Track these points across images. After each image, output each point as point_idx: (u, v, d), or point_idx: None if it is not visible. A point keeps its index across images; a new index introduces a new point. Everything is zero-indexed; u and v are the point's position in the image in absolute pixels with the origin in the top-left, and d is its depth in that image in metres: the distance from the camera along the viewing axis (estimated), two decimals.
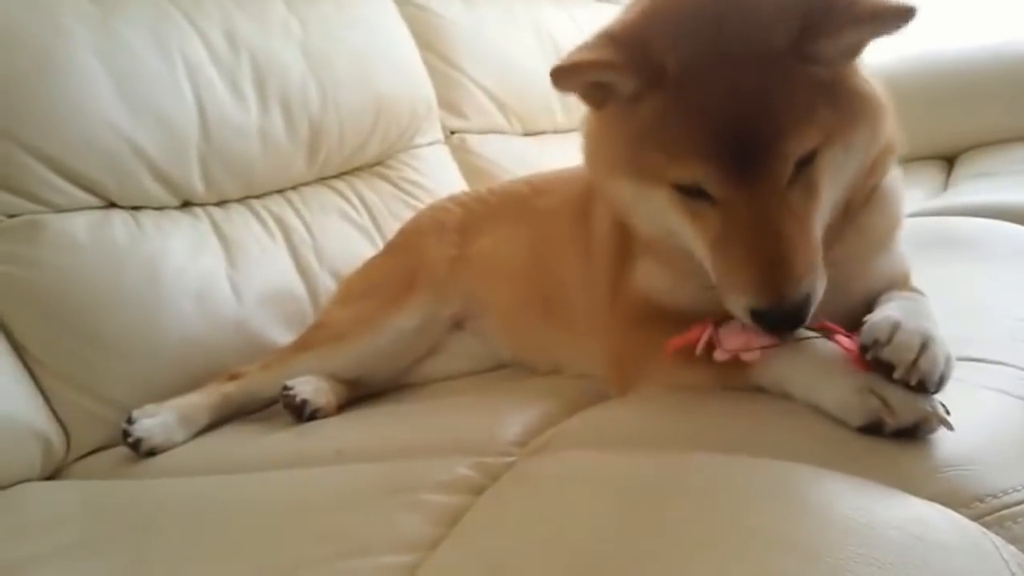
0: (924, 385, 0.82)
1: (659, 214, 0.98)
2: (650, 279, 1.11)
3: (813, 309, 0.91)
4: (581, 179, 1.37)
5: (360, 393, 1.47)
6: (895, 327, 0.85)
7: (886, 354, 0.83)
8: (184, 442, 1.38)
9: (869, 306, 1.01)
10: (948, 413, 0.82)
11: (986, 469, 0.81)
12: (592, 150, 1.07)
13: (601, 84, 0.95)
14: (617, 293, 1.16)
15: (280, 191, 1.82)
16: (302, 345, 1.49)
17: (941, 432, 0.83)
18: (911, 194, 2.27)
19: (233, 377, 1.49)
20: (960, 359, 1.03)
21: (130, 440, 1.34)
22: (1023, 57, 2.57)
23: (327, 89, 1.86)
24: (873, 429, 0.82)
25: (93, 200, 1.53)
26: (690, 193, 0.92)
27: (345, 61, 1.92)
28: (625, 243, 1.15)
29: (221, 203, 1.72)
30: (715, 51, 0.90)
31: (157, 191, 1.60)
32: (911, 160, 2.61)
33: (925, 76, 2.60)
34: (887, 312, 0.91)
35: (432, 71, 2.23)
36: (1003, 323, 1.19)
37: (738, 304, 0.91)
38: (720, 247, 0.92)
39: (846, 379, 0.85)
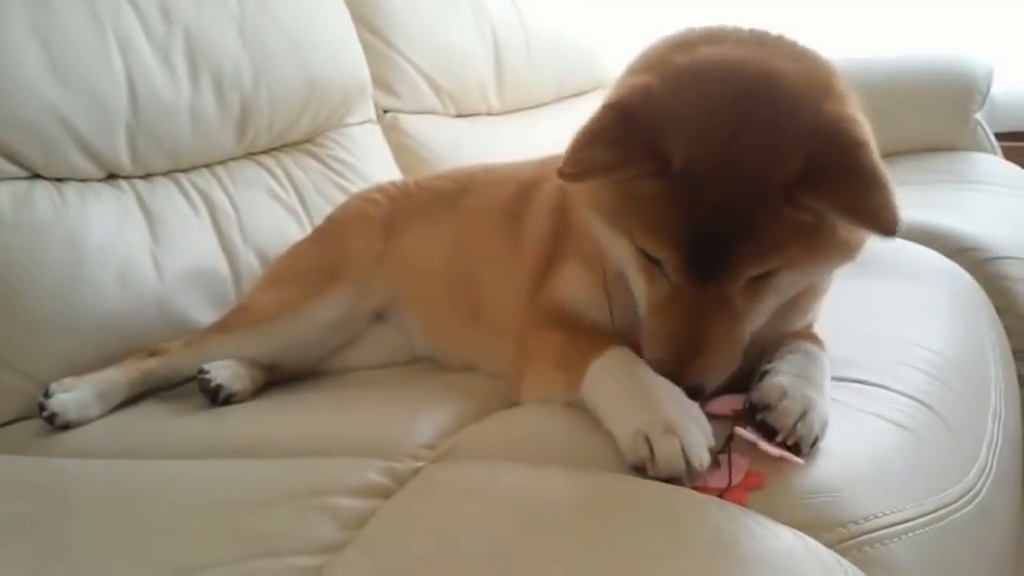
0: (798, 447, 0.91)
1: (619, 251, 1.05)
2: (571, 289, 1.16)
3: (700, 399, 0.98)
4: (510, 180, 1.42)
5: (277, 377, 1.50)
6: (782, 394, 0.95)
7: (770, 419, 0.93)
8: (100, 417, 1.39)
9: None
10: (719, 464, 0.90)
11: (853, 495, 0.88)
12: (582, 186, 1.09)
13: None
14: (537, 295, 1.22)
15: (207, 166, 1.82)
16: (224, 327, 1.51)
17: (814, 457, 0.91)
18: None
19: (154, 353, 1.50)
20: (844, 380, 1.12)
21: (45, 414, 1.35)
22: (946, 68, 2.65)
23: (259, 65, 1.85)
24: (640, 470, 0.90)
25: (17, 170, 1.52)
26: (650, 259, 0.98)
27: (280, 38, 1.91)
28: (556, 250, 1.20)
29: (146, 176, 1.71)
30: (721, 161, 0.92)
31: (83, 163, 1.59)
32: None
33: (851, 81, 2.67)
34: (777, 378, 0.98)
35: (367, 48, 2.22)
36: (894, 347, 1.25)
37: (649, 359, 1.00)
38: (656, 313, 1.00)
39: (629, 420, 0.93)
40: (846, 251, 0.99)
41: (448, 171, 1.69)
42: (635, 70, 1.07)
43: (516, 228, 1.33)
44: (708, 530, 0.77)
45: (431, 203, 1.54)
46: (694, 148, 0.92)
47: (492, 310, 1.37)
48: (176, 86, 1.72)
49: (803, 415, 0.93)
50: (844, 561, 0.79)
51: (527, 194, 1.35)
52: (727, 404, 0.99)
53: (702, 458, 0.88)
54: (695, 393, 0.96)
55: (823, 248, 0.96)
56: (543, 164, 1.35)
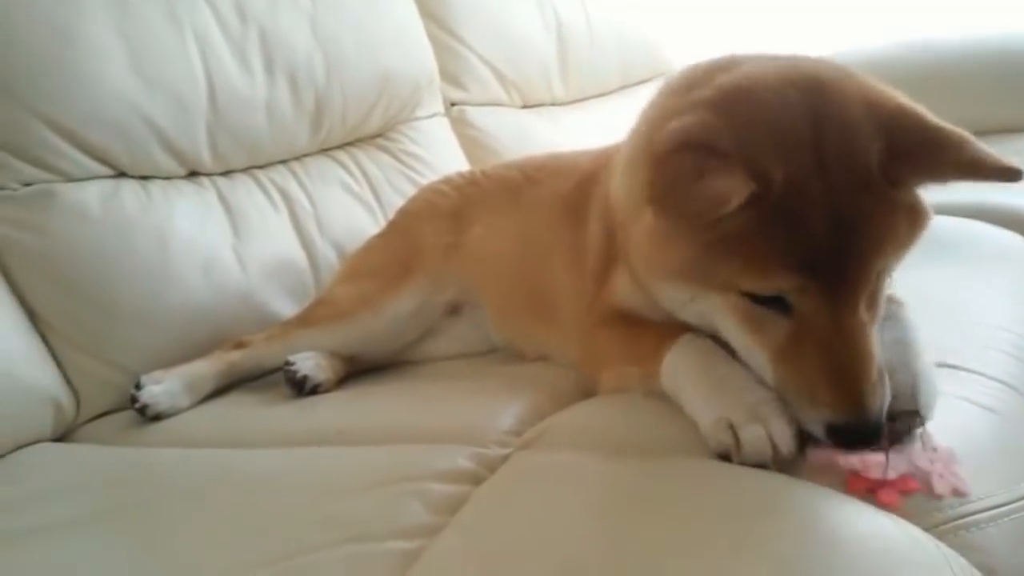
0: (922, 416, 0.89)
1: (708, 315, 0.97)
2: (628, 297, 1.15)
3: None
4: (573, 171, 1.41)
5: (358, 368, 1.53)
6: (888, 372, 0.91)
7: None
8: (189, 408, 1.45)
9: None
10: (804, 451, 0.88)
11: None
12: (641, 249, 1.03)
13: None
14: (597, 295, 1.22)
15: (284, 162, 1.86)
16: (305, 320, 1.54)
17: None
18: None
19: (239, 345, 1.54)
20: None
21: (137, 405, 1.41)
22: (1013, 46, 2.59)
23: (332, 61, 1.89)
24: (724, 457, 0.89)
25: (104, 170, 1.57)
26: (760, 302, 0.91)
27: (350, 33, 1.94)
28: (610, 251, 1.20)
29: (226, 173, 1.76)
30: (815, 163, 0.87)
31: (166, 161, 1.64)
32: None
33: (916, 64, 2.62)
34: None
35: (433, 41, 2.24)
36: (979, 330, 1.24)
37: (814, 420, 0.88)
38: (788, 358, 0.90)
39: (715, 407, 0.92)
40: (926, 224, 0.96)
41: (515, 160, 1.68)
42: (658, 115, 1.03)
43: (577, 223, 1.32)
44: (803, 516, 0.77)
45: (497, 195, 1.55)
46: (787, 160, 0.87)
47: (557, 305, 1.37)
48: (253, 83, 1.76)
49: (913, 393, 0.91)
50: (942, 546, 0.78)
51: (586, 187, 1.34)
52: None
53: (788, 444, 0.88)
54: (880, 419, 0.87)
55: (918, 226, 0.93)
56: (602, 155, 1.35)
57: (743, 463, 0.88)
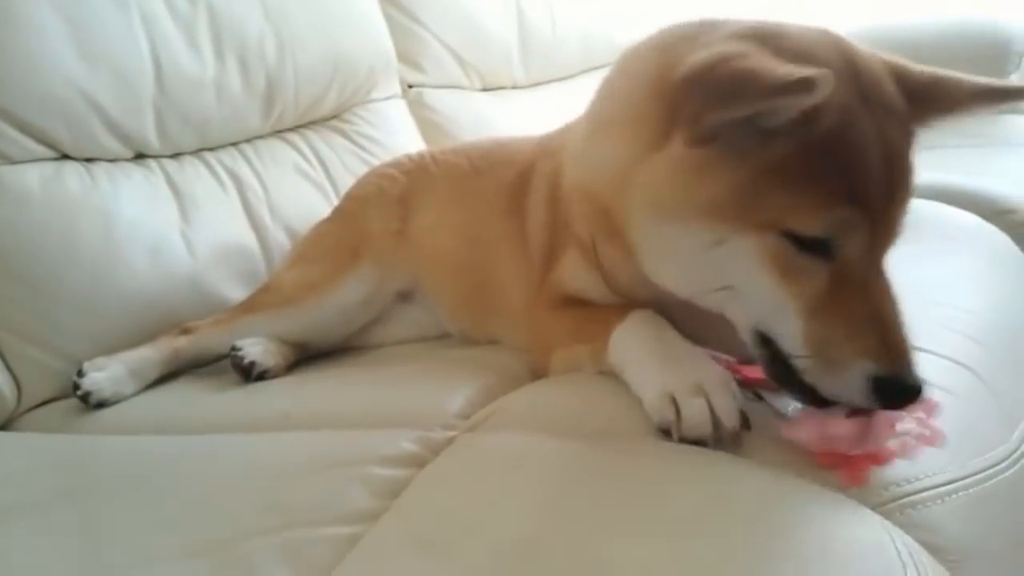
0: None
1: (729, 265, 0.87)
2: (577, 280, 1.14)
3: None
4: (514, 161, 1.39)
5: (307, 354, 1.50)
6: None
7: None
8: (134, 395, 1.41)
9: None
10: (748, 427, 0.87)
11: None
12: (673, 189, 0.89)
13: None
14: (544, 283, 1.20)
15: (235, 144, 1.82)
16: (251, 306, 1.51)
17: None
18: None
19: (185, 331, 1.50)
20: None
21: (79, 392, 1.37)
22: (979, 30, 2.61)
23: (284, 41, 1.85)
24: (666, 432, 0.87)
25: (46, 152, 1.52)
26: (801, 245, 0.83)
27: (303, 13, 1.90)
28: (555, 240, 1.18)
29: (175, 155, 1.72)
30: (859, 95, 0.83)
31: (111, 143, 1.60)
32: None
33: (884, 44, 2.63)
34: None
35: (390, 23, 2.21)
36: (934, 310, 1.23)
37: (855, 373, 0.81)
38: (826, 308, 0.83)
39: (656, 382, 0.90)
40: None
41: (463, 145, 1.65)
42: (644, 71, 0.96)
43: (519, 212, 1.31)
44: (750, 496, 0.76)
45: (445, 181, 1.52)
46: (836, 84, 0.76)
47: (505, 294, 1.35)
48: (201, 63, 1.72)
49: None
50: (888, 523, 0.77)
51: (527, 177, 1.32)
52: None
53: (732, 419, 0.86)
54: (921, 382, 0.81)
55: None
56: (542, 142, 1.34)
57: (684, 438, 0.86)
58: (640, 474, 0.82)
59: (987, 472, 0.92)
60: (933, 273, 1.39)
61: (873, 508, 0.80)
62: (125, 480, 1.05)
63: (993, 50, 2.52)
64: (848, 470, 0.82)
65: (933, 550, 0.79)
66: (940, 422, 0.85)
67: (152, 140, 1.66)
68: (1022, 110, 2.47)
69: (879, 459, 0.83)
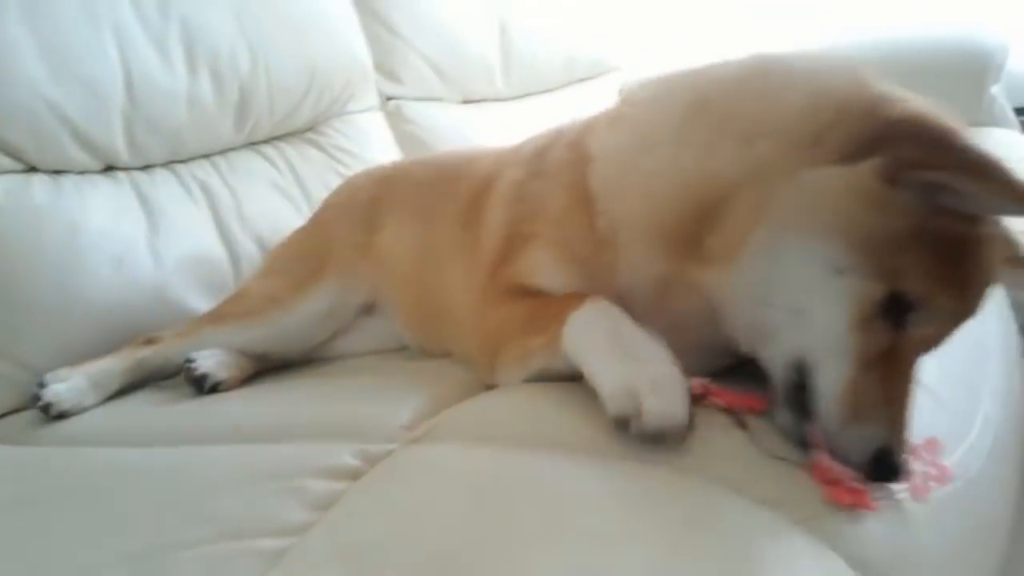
0: None
1: (826, 295, 0.88)
2: (540, 275, 1.12)
3: None
4: (475, 174, 1.39)
5: (269, 365, 1.50)
6: None
7: None
8: (95, 406, 1.41)
9: None
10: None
11: None
12: (828, 206, 0.89)
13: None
14: (493, 277, 1.19)
15: (207, 156, 1.83)
16: (216, 317, 1.52)
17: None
18: None
19: (149, 341, 1.51)
20: None
21: (40, 404, 1.37)
22: (961, 45, 2.60)
23: (258, 52, 1.86)
24: (621, 425, 0.87)
25: (13, 164, 1.54)
26: (892, 307, 0.86)
27: (278, 25, 1.92)
28: (516, 235, 1.17)
29: (145, 168, 1.73)
30: None
31: (79, 155, 1.61)
32: None
33: (866, 60, 2.62)
34: None
35: (369, 35, 2.22)
36: None
37: (867, 437, 0.86)
38: (875, 370, 0.86)
39: (615, 373, 0.89)
40: None
41: (435, 156, 1.67)
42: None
43: (474, 226, 1.30)
44: (676, 507, 0.76)
45: (410, 194, 1.53)
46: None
47: (455, 307, 1.35)
48: (173, 75, 1.73)
49: None
50: (810, 538, 0.77)
51: (482, 194, 1.31)
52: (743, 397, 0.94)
53: (686, 417, 0.86)
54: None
55: None
56: (503, 156, 1.34)
57: (641, 431, 0.86)
58: (568, 485, 0.82)
59: None
60: None
61: (801, 521, 0.80)
62: (70, 493, 1.05)
63: (974, 64, 2.51)
64: (850, 496, 0.83)
65: (859, 563, 0.79)
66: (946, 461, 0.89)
67: (121, 152, 1.67)
68: (1001, 122, 2.47)
69: (868, 503, 0.84)
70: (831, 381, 0.88)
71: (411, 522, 0.81)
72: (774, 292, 0.92)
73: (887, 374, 0.86)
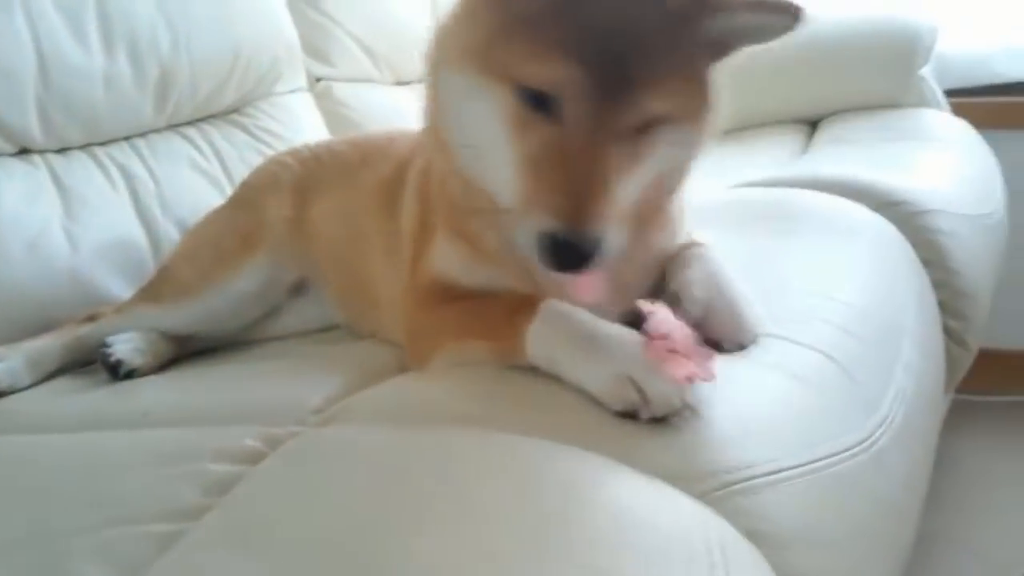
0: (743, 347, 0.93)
1: (483, 117, 0.92)
2: (444, 261, 1.11)
3: (600, 261, 0.87)
4: (394, 154, 1.39)
5: (194, 348, 1.49)
6: (707, 307, 0.95)
7: (706, 332, 0.92)
8: (33, 384, 1.41)
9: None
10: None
11: (729, 445, 0.86)
12: (442, 37, 0.99)
13: None
14: (414, 275, 1.18)
15: (127, 139, 1.79)
16: (149, 295, 1.50)
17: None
18: (774, 155, 2.35)
19: (90, 318, 1.49)
20: None
21: None
22: (891, 27, 2.64)
23: (179, 32, 1.82)
24: (630, 415, 0.86)
25: None
26: (530, 99, 0.88)
27: (202, 4, 1.89)
28: (425, 230, 1.17)
29: (62, 151, 1.69)
30: None
31: None
32: (776, 122, 2.69)
33: (796, 40, 2.64)
34: (693, 291, 0.98)
35: (297, 15, 2.19)
36: (804, 300, 1.22)
37: (530, 227, 0.87)
38: (535, 163, 0.88)
39: (608, 365, 0.88)
40: (713, 112, 0.97)
41: (360, 136, 1.66)
42: None
43: (394, 207, 1.30)
44: (561, 481, 0.76)
45: (335, 172, 1.51)
46: None
47: (377, 288, 1.35)
48: (88, 55, 1.69)
49: (737, 317, 0.95)
50: (705, 511, 0.77)
51: (403, 171, 1.31)
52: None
53: (689, 394, 0.87)
54: (595, 249, 0.86)
55: (700, 98, 0.94)
56: (416, 142, 1.32)
57: (652, 416, 0.85)
58: (461, 464, 0.80)
59: (828, 460, 0.92)
60: (814, 263, 1.39)
61: (699, 496, 0.80)
62: None
63: (903, 45, 2.54)
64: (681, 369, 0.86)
65: (758, 537, 0.79)
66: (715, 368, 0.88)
67: (36, 135, 1.63)
68: (930, 103, 2.50)
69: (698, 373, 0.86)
70: (503, 186, 0.91)
71: (306, 503, 0.79)
72: (460, 136, 0.99)
73: (552, 166, 0.87)
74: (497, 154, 0.92)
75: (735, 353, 1.00)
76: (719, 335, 0.94)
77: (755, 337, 0.92)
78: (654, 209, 1.04)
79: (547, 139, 0.88)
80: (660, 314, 0.93)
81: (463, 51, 0.93)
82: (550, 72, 0.86)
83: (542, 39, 0.86)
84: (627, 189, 0.91)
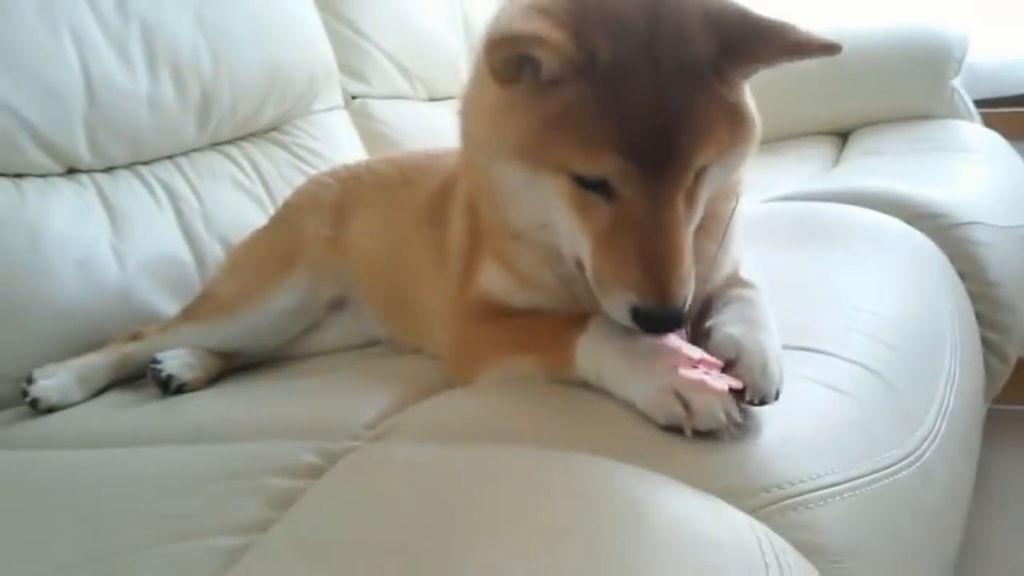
0: (764, 401, 0.90)
1: (542, 203, 0.98)
2: (491, 282, 1.14)
3: (685, 318, 0.94)
4: (440, 172, 1.40)
5: (239, 364, 1.51)
6: (738, 348, 0.93)
7: (733, 375, 0.90)
8: (83, 400, 1.44)
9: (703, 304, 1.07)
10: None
11: (779, 461, 0.87)
12: (483, 128, 1.02)
13: (525, 59, 0.90)
14: (463, 291, 1.20)
15: (170, 157, 1.83)
16: (192, 315, 1.53)
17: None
18: (805, 168, 2.36)
19: (135, 337, 1.53)
20: (789, 348, 1.10)
21: (28, 399, 1.40)
22: (923, 37, 2.64)
23: (220, 53, 1.87)
24: (675, 429, 0.88)
25: None
26: (587, 186, 0.92)
27: (239, 26, 1.92)
28: (474, 246, 1.19)
29: (108, 170, 1.72)
30: (646, 51, 0.90)
31: (41, 158, 1.61)
32: (807, 134, 2.69)
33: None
34: (728, 330, 0.97)
35: (333, 35, 2.23)
36: (844, 313, 1.23)
37: (620, 302, 0.93)
38: (607, 243, 0.93)
39: (654, 379, 0.90)
40: (753, 133, 0.99)
41: (398, 155, 1.68)
42: None
43: (440, 223, 1.32)
44: (618, 498, 0.77)
45: (376, 191, 1.54)
46: (617, 41, 0.89)
47: (424, 304, 1.37)
48: (133, 76, 1.73)
49: (764, 367, 0.92)
50: (759, 525, 0.78)
51: (449, 188, 1.33)
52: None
53: (733, 407, 0.88)
54: (681, 315, 0.92)
55: (740, 129, 0.96)
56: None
57: (696, 430, 0.87)
58: (520, 481, 0.82)
59: (877, 475, 0.92)
60: (850, 277, 1.40)
61: (751, 510, 0.81)
62: (31, 495, 1.06)
63: (935, 56, 2.55)
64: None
65: (811, 551, 0.80)
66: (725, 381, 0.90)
67: (84, 155, 1.67)
68: (961, 114, 2.50)
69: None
70: (588, 271, 0.96)
71: (369, 518, 0.81)
72: (521, 218, 1.04)
73: (621, 243, 0.92)
74: (567, 232, 0.98)
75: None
76: (746, 382, 0.92)
77: (779, 394, 0.92)
78: (706, 219, 1.05)
79: (613, 219, 0.92)
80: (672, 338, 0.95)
81: (510, 146, 0.96)
82: (602, 166, 0.90)
83: (586, 131, 0.90)
84: (690, 233, 0.96)
